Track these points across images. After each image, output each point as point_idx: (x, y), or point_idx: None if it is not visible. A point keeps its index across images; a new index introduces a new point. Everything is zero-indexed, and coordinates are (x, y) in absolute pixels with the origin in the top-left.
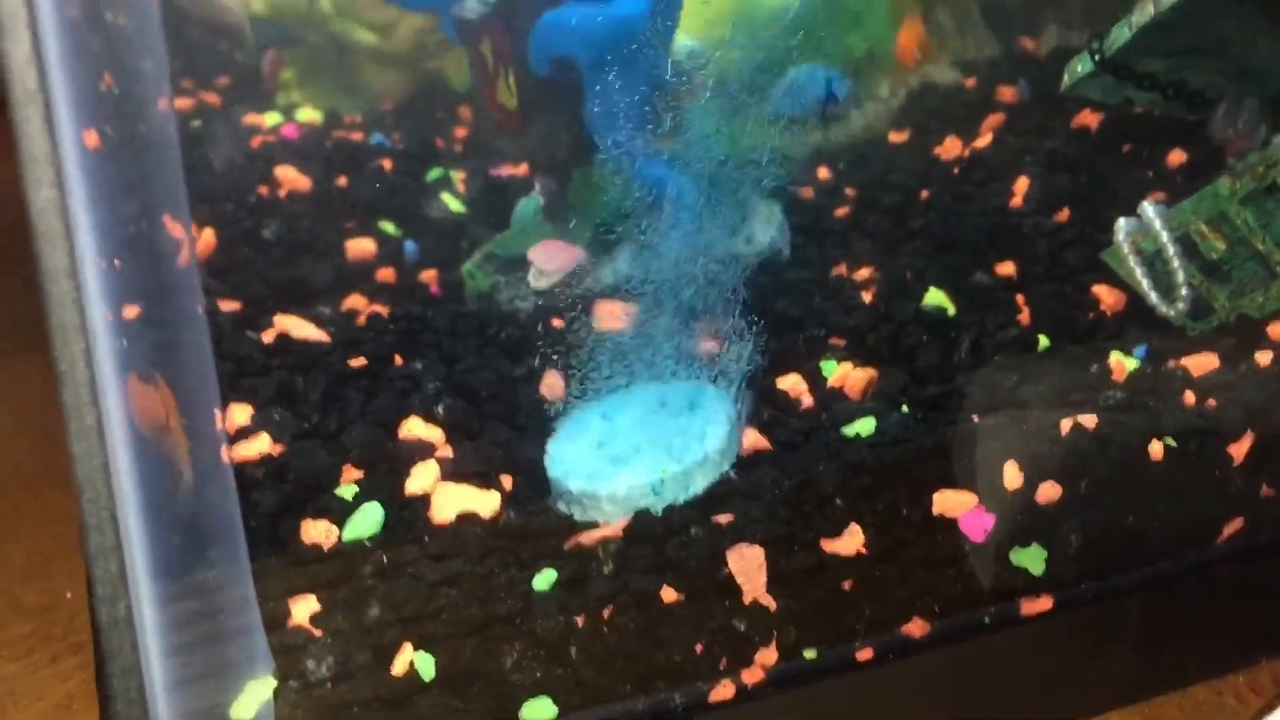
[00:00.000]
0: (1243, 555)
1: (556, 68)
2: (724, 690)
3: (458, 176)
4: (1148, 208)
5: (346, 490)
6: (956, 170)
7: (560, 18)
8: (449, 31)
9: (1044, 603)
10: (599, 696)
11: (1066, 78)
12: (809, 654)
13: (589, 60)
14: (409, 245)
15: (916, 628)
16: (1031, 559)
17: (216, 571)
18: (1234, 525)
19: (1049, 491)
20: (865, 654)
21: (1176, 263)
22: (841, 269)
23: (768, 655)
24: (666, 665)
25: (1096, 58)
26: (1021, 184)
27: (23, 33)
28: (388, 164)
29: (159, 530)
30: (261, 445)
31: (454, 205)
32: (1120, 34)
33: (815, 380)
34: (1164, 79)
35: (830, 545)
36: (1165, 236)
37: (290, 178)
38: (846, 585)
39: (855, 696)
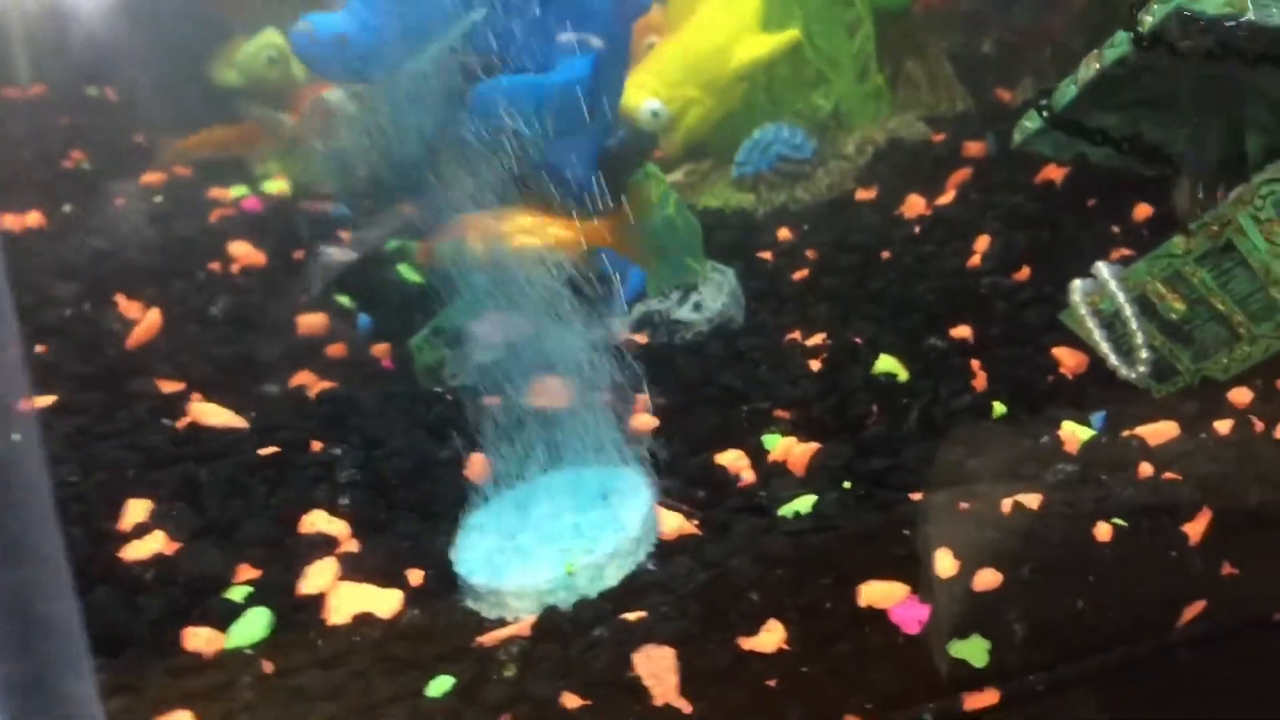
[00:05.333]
0: (1206, 639)
1: (498, 136)
2: None
3: (418, 247)
4: (1102, 268)
5: (238, 592)
6: (918, 229)
7: (495, 87)
8: (394, 103)
9: (989, 697)
10: None
11: (1017, 135)
12: None
13: (530, 129)
14: (362, 319)
15: None
16: (973, 651)
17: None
18: (1195, 608)
19: (990, 578)
20: None
21: (1135, 324)
22: (795, 335)
23: None
24: None
25: (1045, 114)
26: (982, 242)
27: None
28: (346, 235)
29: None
30: (155, 544)
31: (410, 276)
32: (1067, 90)
33: (757, 456)
34: (1117, 133)
35: (748, 642)
36: (1121, 297)
37: (244, 253)
38: (770, 684)
39: None
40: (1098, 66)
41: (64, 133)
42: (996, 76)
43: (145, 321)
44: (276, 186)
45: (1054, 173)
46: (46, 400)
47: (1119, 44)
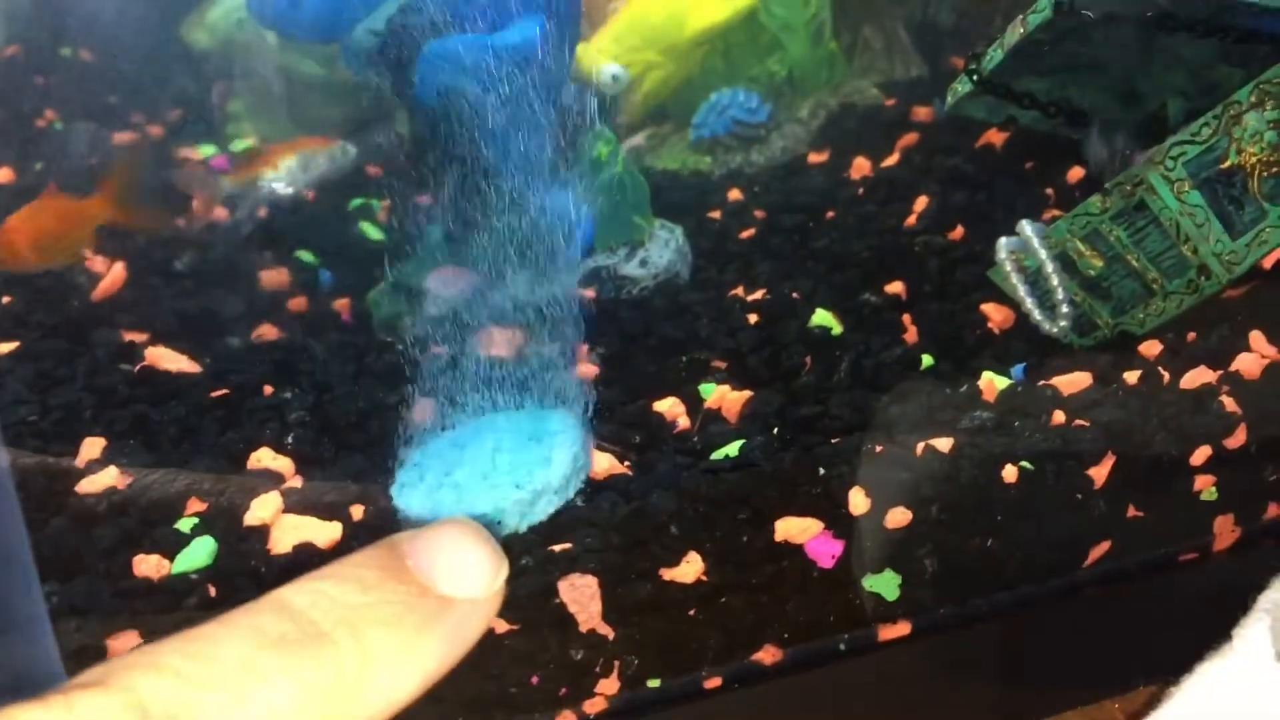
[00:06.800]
0: (1111, 578)
1: (449, 97)
2: None
3: (381, 205)
4: (1026, 225)
5: (185, 523)
6: (861, 191)
7: (445, 48)
8: (350, 64)
9: (901, 628)
10: None
11: (949, 98)
12: (652, 683)
13: (481, 89)
14: (324, 274)
15: (767, 654)
16: (885, 584)
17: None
18: (1100, 549)
19: (901, 516)
20: (713, 682)
21: (1056, 280)
22: (738, 291)
23: (609, 685)
24: (500, 695)
25: (974, 78)
26: (921, 203)
27: None
28: (310, 193)
29: None
30: (108, 479)
31: (373, 234)
32: (995, 55)
33: (693, 403)
34: (1044, 98)
35: (669, 573)
36: (1043, 254)
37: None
38: (690, 612)
39: None
40: (1022, 31)
41: (38, 92)
42: (951, 44)
43: (110, 275)
44: (245, 146)
45: (995, 137)
46: (8, 346)
47: (1041, 9)
